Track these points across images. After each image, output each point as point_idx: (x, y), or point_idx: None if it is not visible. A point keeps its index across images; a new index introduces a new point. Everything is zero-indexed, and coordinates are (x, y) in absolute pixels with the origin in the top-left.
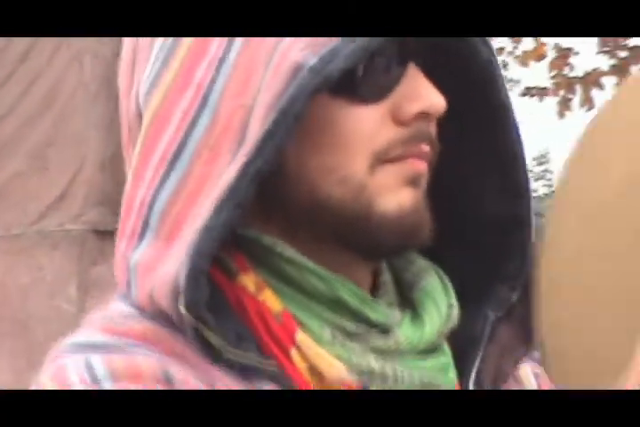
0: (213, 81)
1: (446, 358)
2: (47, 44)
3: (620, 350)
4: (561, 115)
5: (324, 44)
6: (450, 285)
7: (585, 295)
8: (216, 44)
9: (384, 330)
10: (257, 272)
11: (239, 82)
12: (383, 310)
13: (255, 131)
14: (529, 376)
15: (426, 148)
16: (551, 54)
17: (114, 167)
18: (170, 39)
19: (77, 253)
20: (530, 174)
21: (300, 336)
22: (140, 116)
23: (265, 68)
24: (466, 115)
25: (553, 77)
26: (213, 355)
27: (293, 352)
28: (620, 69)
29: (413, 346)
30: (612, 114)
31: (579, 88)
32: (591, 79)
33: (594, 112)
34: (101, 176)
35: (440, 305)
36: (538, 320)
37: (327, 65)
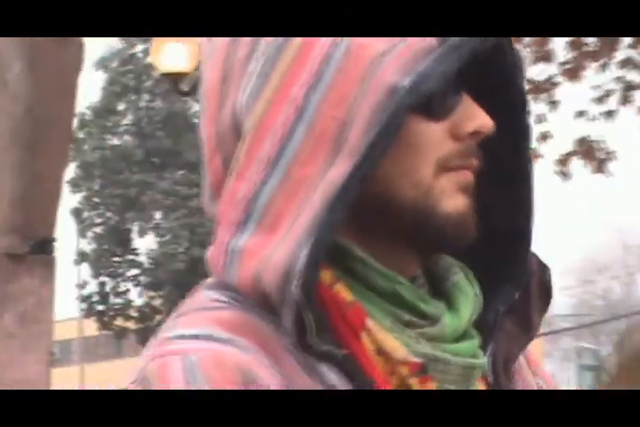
0: (309, 97)
1: (477, 341)
2: None
3: None
4: None
5: (413, 69)
6: (473, 277)
7: None
8: (314, 65)
9: (433, 319)
10: (331, 268)
11: (334, 98)
12: (433, 303)
13: (356, 140)
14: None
15: (475, 161)
16: None
17: (22, 204)
18: (269, 60)
19: None
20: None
21: (370, 322)
22: (234, 126)
23: (359, 87)
24: (494, 135)
25: None
26: (297, 341)
27: (364, 336)
28: None
29: (453, 333)
30: None
31: None
32: None
33: None
34: (12, 211)
35: (469, 296)
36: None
37: (419, 86)
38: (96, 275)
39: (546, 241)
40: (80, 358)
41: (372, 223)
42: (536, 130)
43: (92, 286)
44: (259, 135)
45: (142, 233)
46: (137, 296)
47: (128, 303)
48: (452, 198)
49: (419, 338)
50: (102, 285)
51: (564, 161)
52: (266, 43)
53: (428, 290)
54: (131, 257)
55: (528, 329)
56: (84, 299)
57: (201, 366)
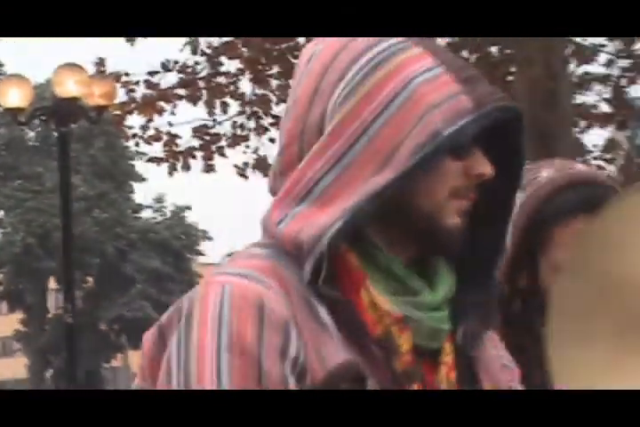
0: (375, 121)
1: (447, 314)
2: None
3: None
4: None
5: (453, 123)
6: (451, 271)
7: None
8: (386, 98)
9: (416, 292)
10: (351, 244)
11: (393, 127)
12: (417, 281)
13: (402, 160)
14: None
15: (473, 195)
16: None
17: None
18: (354, 86)
19: None
20: None
21: (368, 283)
22: (320, 126)
23: (413, 123)
24: (493, 179)
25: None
26: (313, 287)
27: (362, 291)
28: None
29: (429, 304)
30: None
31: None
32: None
33: None
34: None
35: (446, 282)
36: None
37: (455, 137)
38: None
39: None
40: None
41: (393, 221)
42: None
43: None
44: (333, 139)
45: None
46: None
47: None
48: (453, 218)
49: (404, 303)
50: None
51: None
52: (351, 73)
53: (418, 273)
54: None
55: (489, 315)
56: None
57: (230, 295)
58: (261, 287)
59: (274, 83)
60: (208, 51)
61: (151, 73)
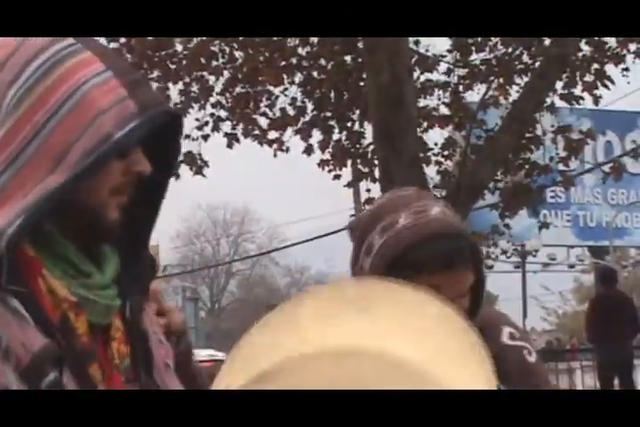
0: (47, 123)
1: (115, 291)
2: None
3: None
4: None
5: (121, 127)
6: (112, 250)
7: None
8: (58, 101)
9: (88, 275)
10: (30, 238)
11: (65, 129)
12: (89, 265)
13: (73, 162)
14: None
15: (131, 190)
16: None
17: None
18: (29, 87)
19: None
20: None
21: (45, 271)
22: None
23: (85, 127)
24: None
25: None
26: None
27: (40, 280)
28: None
29: (100, 284)
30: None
31: None
32: None
33: None
34: None
35: (112, 265)
36: None
37: (126, 139)
38: None
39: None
40: None
41: (64, 215)
42: None
43: None
44: (7, 141)
45: None
46: None
47: None
48: (113, 213)
49: (78, 285)
50: None
51: None
52: (24, 77)
53: (89, 258)
54: None
55: (147, 288)
56: None
57: None
58: None
59: (154, 85)
60: None
61: None
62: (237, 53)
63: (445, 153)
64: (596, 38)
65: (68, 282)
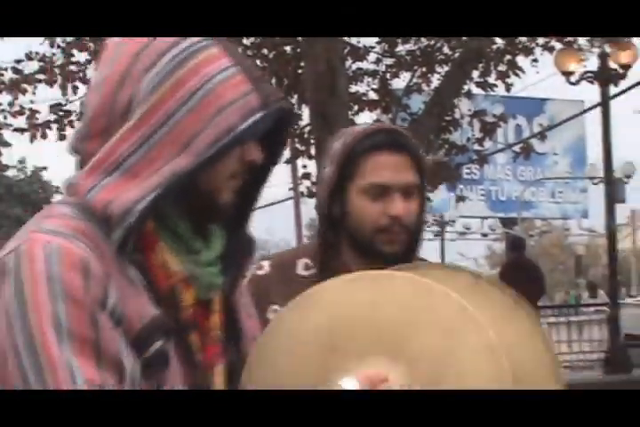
0: (179, 109)
1: (219, 268)
2: None
3: None
4: None
5: (247, 118)
6: (219, 229)
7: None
8: (190, 90)
9: (198, 252)
10: (153, 215)
11: (194, 117)
12: (199, 243)
13: (200, 147)
14: None
15: (246, 176)
16: None
17: None
18: (162, 77)
19: None
20: None
21: (159, 245)
22: (127, 109)
23: (212, 118)
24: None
25: None
26: (118, 249)
27: (155, 253)
28: None
29: (207, 261)
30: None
31: None
32: None
33: None
34: None
35: (219, 239)
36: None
37: (248, 130)
38: None
39: None
40: None
41: (182, 195)
42: None
43: None
44: (142, 123)
45: None
46: None
47: None
48: (228, 196)
49: (188, 261)
50: None
51: None
52: (159, 66)
53: (200, 238)
54: None
55: (243, 266)
56: None
57: (57, 252)
58: (83, 247)
59: None
60: (63, 44)
61: (17, 61)
62: None
63: None
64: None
65: (180, 257)
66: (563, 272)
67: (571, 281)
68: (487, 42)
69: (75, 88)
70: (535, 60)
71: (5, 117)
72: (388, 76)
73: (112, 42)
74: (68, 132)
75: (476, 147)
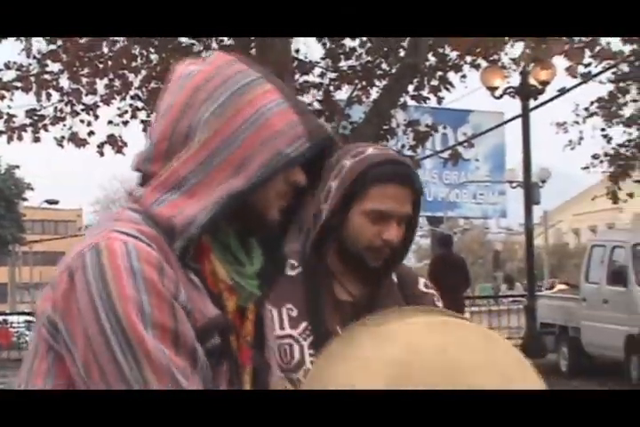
0: (237, 136)
1: (257, 281)
2: None
3: None
4: None
5: (294, 146)
6: (258, 245)
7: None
8: (246, 120)
9: (243, 264)
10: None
11: (247, 143)
12: (244, 257)
13: (254, 169)
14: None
15: (290, 196)
16: None
17: None
18: (223, 105)
19: None
20: None
21: (212, 256)
22: (187, 134)
23: (265, 144)
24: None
25: None
26: (179, 258)
27: (207, 262)
28: None
29: (250, 273)
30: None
31: None
32: None
33: None
34: None
35: (258, 255)
36: None
37: (295, 157)
38: None
39: None
40: None
41: (238, 214)
42: None
43: None
44: (203, 148)
45: None
46: None
47: None
48: (274, 214)
49: (234, 271)
50: None
51: None
52: (218, 97)
53: (245, 252)
54: None
55: (273, 281)
56: None
57: (136, 250)
58: (155, 248)
59: (84, 80)
60: (38, 55)
61: None
62: (153, 56)
63: None
64: (440, 51)
65: (227, 267)
66: (481, 266)
67: (488, 274)
68: (421, 59)
69: (48, 95)
70: (464, 76)
71: None
72: (331, 88)
73: (176, 74)
74: (42, 134)
75: (410, 153)
